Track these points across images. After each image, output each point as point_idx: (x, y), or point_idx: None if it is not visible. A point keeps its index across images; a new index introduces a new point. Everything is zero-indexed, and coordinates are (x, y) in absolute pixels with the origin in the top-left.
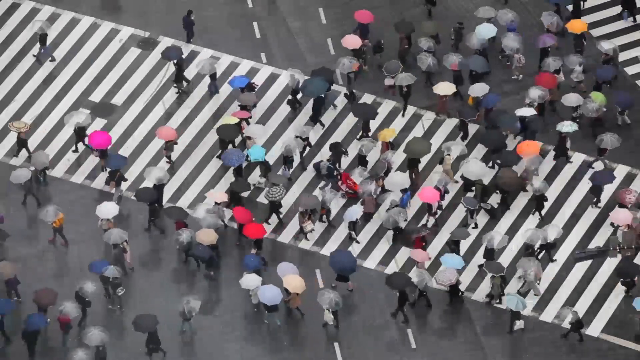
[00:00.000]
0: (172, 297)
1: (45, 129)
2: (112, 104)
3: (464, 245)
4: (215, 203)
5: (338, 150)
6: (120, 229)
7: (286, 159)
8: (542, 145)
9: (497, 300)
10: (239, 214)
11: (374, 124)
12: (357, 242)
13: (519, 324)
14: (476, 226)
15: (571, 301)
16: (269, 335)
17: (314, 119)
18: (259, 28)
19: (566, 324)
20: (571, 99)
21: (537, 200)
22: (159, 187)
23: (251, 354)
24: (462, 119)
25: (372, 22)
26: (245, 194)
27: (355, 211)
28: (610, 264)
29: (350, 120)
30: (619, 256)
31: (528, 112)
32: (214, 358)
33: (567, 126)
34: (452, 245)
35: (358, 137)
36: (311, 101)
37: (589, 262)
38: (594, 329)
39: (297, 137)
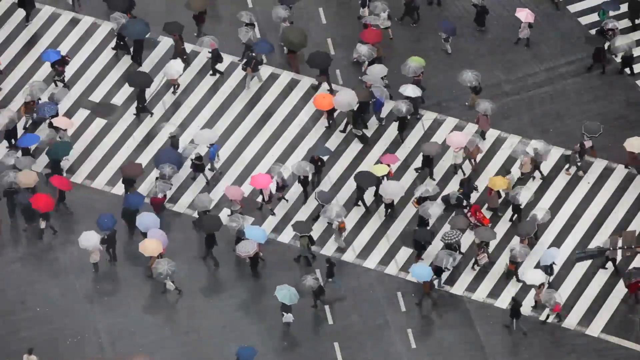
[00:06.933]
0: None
1: (46, 128)
2: (112, 104)
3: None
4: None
5: (471, 186)
6: None
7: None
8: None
9: (305, 263)
10: (57, 181)
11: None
12: (549, 282)
13: (287, 317)
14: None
15: (571, 301)
16: (269, 335)
17: (135, 59)
18: (259, 28)
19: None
20: (376, 71)
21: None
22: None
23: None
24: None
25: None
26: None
27: (553, 255)
28: (610, 264)
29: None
30: (619, 256)
31: None
32: (214, 358)
33: None
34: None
35: (135, 108)
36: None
37: (589, 262)
38: (594, 329)
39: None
